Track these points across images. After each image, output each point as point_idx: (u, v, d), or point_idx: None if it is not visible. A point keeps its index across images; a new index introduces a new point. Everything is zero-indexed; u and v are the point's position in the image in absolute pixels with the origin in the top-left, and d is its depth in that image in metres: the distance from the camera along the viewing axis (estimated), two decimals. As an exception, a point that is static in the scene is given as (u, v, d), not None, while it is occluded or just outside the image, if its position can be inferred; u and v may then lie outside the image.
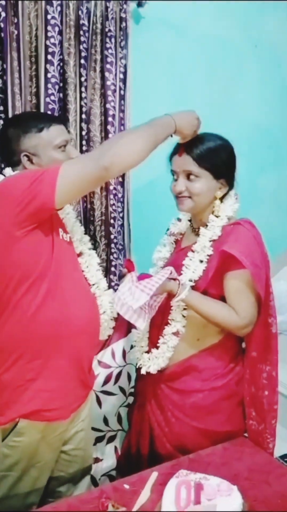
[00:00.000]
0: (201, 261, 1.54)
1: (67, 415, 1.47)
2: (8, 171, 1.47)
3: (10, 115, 1.86)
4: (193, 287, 1.53)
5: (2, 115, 1.86)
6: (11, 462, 1.41)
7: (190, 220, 1.71)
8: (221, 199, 1.58)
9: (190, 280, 1.54)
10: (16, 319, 1.36)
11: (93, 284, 1.58)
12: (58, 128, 1.47)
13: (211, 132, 1.59)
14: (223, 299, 1.53)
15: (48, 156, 1.44)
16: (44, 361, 1.40)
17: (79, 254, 1.58)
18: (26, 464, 1.42)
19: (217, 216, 1.56)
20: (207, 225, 1.57)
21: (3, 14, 1.80)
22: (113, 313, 1.61)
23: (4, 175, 1.46)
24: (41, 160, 1.44)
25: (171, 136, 1.49)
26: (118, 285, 1.70)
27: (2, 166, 1.87)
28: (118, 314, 1.63)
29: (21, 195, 1.29)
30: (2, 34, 1.81)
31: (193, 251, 1.57)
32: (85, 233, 1.68)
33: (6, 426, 1.40)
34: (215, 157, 1.53)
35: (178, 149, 1.55)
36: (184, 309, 1.56)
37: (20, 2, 1.83)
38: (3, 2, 1.78)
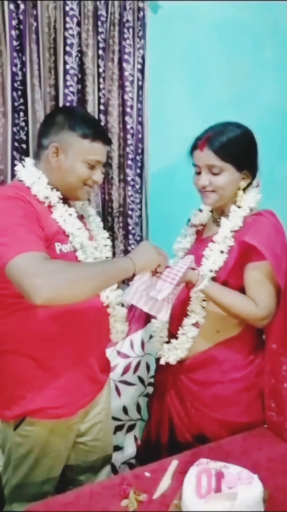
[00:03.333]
0: (222, 252, 1.53)
1: (73, 411, 1.45)
2: (28, 162, 1.43)
3: (29, 106, 1.88)
4: (213, 278, 1.52)
5: (22, 107, 1.88)
6: (24, 451, 1.42)
7: (211, 211, 1.70)
8: (244, 189, 1.56)
9: (211, 271, 1.52)
10: (20, 315, 1.34)
11: None
12: (101, 147, 1.43)
13: (229, 121, 1.56)
14: (243, 290, 1.52)
15: (73, 163, 1.39)
16: (47, 358, 1.38)
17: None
18: (38, 453, 1.43)
19: (239, 207, 1.54)
20: (228, 216, 1.55)
21: (22, 6, 1.81)
22: (117, 309, 1.54)
23: (23, 165, 1.41)
24: (65, 161, 1.39)
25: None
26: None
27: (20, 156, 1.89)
28: (131, 307, 1.61)
29: None
30: (21, 26, 1.82)
31: (213, 242, 1.55)
32: (104, 227, 1.65)
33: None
34: (237, 148, 1.50)
35: (199, 143, 1.52)
36: (203, 300, 1.55)
37: (38, -6, 1.84)
38: (22, -6, 1.79)
